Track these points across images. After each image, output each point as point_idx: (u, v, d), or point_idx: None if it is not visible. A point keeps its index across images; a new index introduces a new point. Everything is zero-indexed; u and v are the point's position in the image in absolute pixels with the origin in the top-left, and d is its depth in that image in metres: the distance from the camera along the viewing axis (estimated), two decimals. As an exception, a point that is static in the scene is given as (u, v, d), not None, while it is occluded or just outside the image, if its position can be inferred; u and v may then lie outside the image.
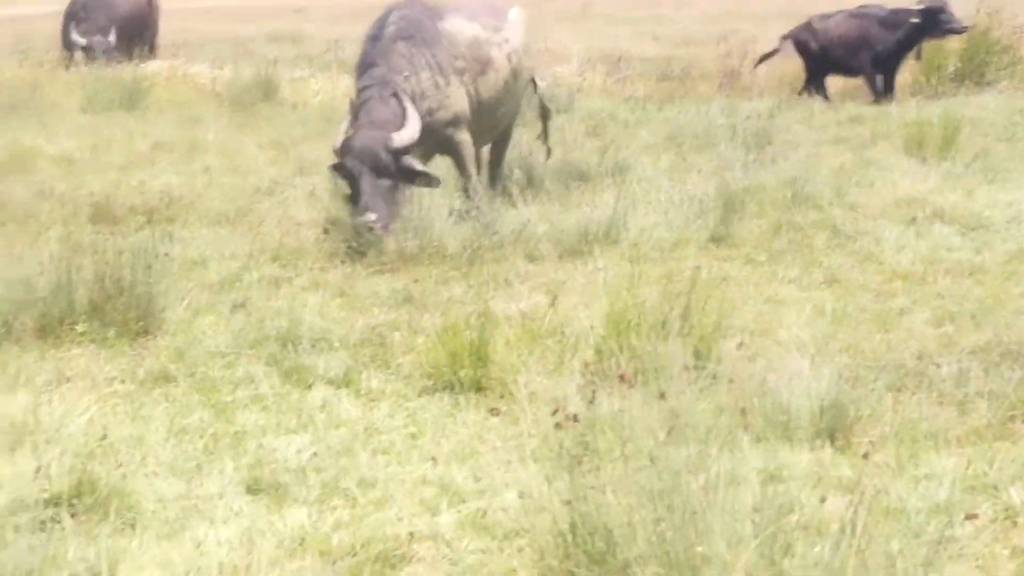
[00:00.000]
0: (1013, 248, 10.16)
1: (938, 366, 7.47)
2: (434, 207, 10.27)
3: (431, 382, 7.24)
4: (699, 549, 4.58)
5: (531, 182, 12.06)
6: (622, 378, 5.50)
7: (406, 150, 10.14)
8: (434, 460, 6.18)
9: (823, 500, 5.11)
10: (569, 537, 4.80)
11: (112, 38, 21.40)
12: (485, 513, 5.55)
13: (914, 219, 11.10)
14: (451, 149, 11.04)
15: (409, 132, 10.16)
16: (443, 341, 7.39)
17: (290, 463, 6.14)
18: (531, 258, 9.99)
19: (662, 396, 5.27)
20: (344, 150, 10.24)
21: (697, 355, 7.25)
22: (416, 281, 9.21)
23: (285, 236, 10.50)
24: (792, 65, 20.86)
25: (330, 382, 7.31)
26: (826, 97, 19.19)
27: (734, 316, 8.35)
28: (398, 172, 10.14)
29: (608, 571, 4.69)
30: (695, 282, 7.57)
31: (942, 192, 11.98)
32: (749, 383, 6.82)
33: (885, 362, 7.57)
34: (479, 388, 7.11)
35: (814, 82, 19.52)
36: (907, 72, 19.70)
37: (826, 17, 19.85)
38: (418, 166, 10.21)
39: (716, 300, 7.77)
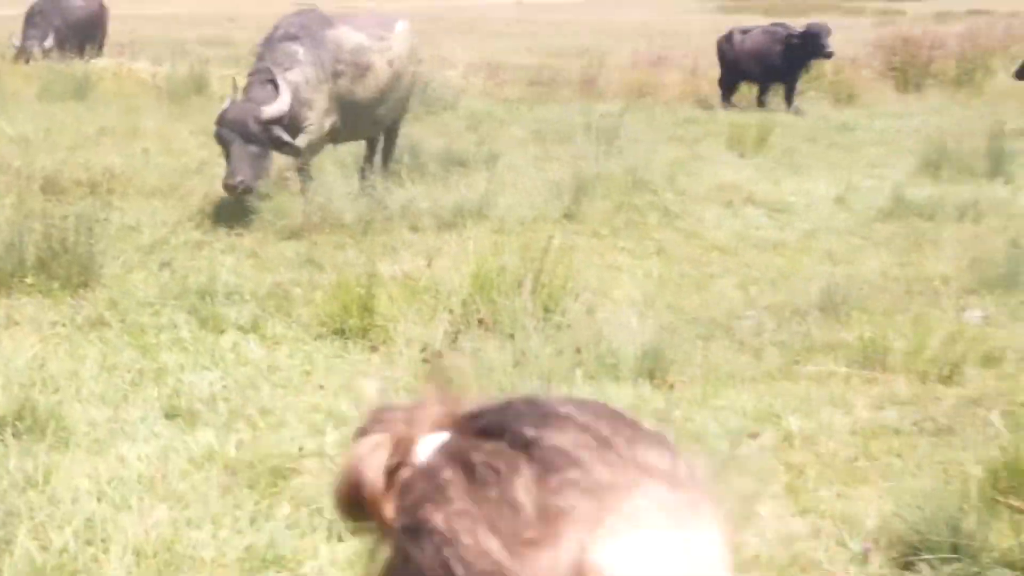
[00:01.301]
0: (808, 227, 10.42)
1: (740, 320, 7.68)
2: (335, 184, 10.29)
3: (325, 329, 7.28)
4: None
5: (418, 167, 12.09)
6: (480, 322, 5.62)
7: (275, 121, 9.99)
8: (323, 391, 6.26)
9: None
10: (429, 453, 4.89)
11: (49, 43, 20.82)
12: (363, 434, 5.62)
13: (730, 202, 11.33)
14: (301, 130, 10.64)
15: (279, 106, 10.03)
16: (336, 295, 7.44)
17: (203, 394, 6.16)
18: (414, 229, 10.03)
19: (511, 337, 5.39)
20: (218, 120, 10.21)
21: (546, 309, 7.38)
22: (316, 246, 9.25)
23: (209, 207, 10.44)
24: (640, 73, 21.07)
25: (240, 328, 7.32)
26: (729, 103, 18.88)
27: (579, 279, 8.47)
28: (267, 140, 10.04)
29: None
30: (547, 250, 7.68)
31: (755, 181, 12.24)
32: (587, 332, 6.96)
33: (698, 317, 7.76)
34: (364, 334, 7.17)
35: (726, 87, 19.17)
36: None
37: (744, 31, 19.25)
38: (285, 137, 10.05)
39: (564, 266, 7.89)
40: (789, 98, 18.16)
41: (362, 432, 1.05)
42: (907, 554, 4.59)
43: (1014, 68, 16.59)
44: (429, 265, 8.09)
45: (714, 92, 19.61)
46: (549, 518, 0.91)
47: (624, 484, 0.94)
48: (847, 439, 5.82)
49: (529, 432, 0.97)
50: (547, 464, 0.94)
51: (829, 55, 17.85)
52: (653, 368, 6.58)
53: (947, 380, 6.57)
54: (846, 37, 21.03)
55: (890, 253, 9.45)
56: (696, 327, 7.51)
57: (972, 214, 10.49)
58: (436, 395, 1.05)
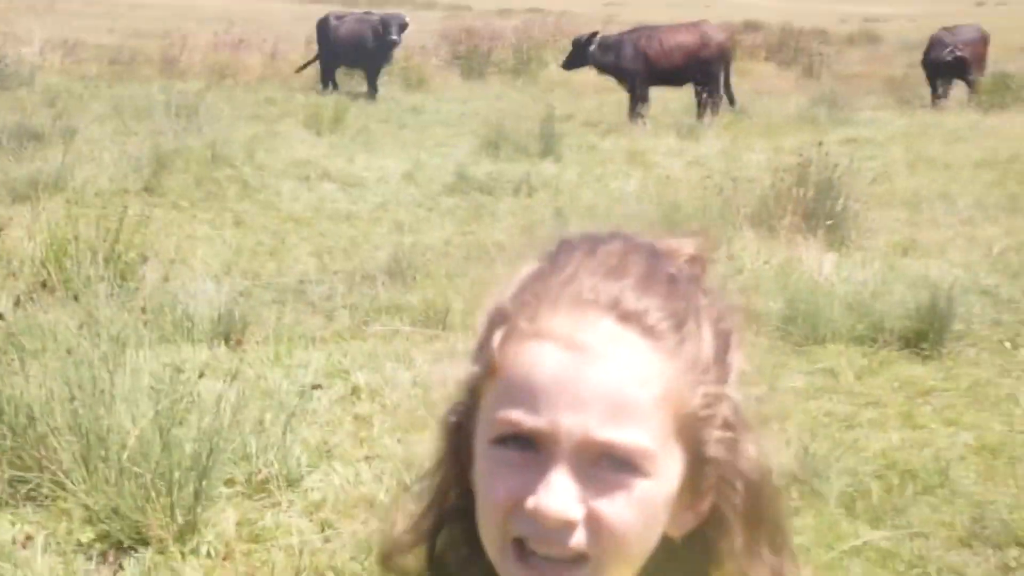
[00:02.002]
0: (379, 200, 10.56)
1: (314, 285, 7.70)
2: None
3: None
4: (106, 422, 4.55)
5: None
6: (43, 285, 5.36)
7: None
8: None
9: (200, 376, 5.12)
10: (-5, 416, 4.63)
11: None
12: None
13: (307, 177, 11.34)
14: None
15: None
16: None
17: None
18: (-17, 203, 9.45)
19: (75, 298, 5.18)
20: None
21: (123, 277, 7.16)
22: None
23: None
24: (221, 56, 20.66)
25: None
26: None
27: (159, 248, 8.26)
28: None
29: (28, 441, 4.58)
30: (123, 220, 7.44)
31: (330, 158, 12.29)
32: (163, 297, 6.79)
33: (273, 283, 7.72)
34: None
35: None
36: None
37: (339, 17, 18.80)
38: None
39: (142, 235, 7.69)
40: (372, 81, 18.07)
41: None
42: (460, 489, 4.75)
43: (562, 60, 17.39)
44: (-2, 235, 7.63)
45: (293, 74, 19.55)
46: (511, 309, 1.05)
47: (561, 303, 1.03)
48: (409, 391, 5.94)
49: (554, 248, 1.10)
50: (540, 273, 1.07)
51: (391, 43, 17.73)
52: (228, 330, 6.51)
53: (500, 335, 6.83)
54: (418, 28, 21.40)
55: (453, 223, 9.73)
56: (271, 292, 7.47)
57: (525, 188, 10.95)
58: None
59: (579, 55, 16.31)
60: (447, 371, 6.49)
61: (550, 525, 0.99)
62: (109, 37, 25.79)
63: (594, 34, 16.41)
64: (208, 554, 4.24)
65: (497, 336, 1.04)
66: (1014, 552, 4.54)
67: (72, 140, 11.97)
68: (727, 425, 1.07)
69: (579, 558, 1.02)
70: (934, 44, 17.81)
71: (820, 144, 9.84)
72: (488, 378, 1.05)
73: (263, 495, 4.71)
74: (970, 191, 11.14)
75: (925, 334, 6.81)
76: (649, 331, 1.03)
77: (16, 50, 18.79)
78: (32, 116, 13.05)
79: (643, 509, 1.02)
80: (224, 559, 4.22)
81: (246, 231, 9.24)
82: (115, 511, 4.25)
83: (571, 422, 0.99)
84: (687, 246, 1.14)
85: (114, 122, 13.75)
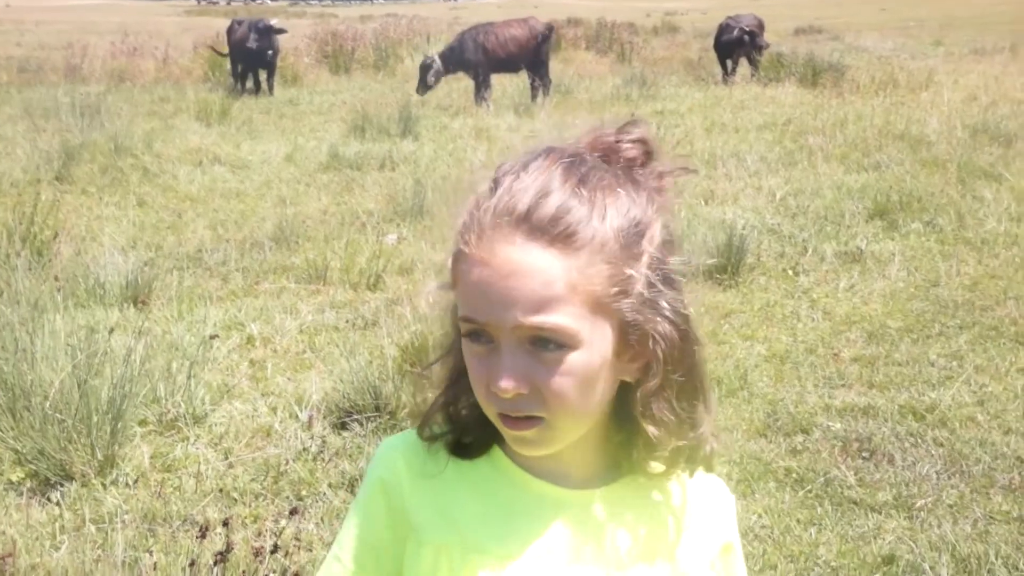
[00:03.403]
0: (264, 179, 10.30)
1: (210, 253, 7.49)
2: None
3: None
4: (29, 376, 4.38)
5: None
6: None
7: None
8: None
9: (111, 333, 4.96)
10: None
11: None
12: None
13: (200, 162, 11.00)
14: None
15: None
16: None
17: None
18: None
19: (-7, 272, 4.94)
20: None
21: (39, 253, 6.90)
22: None
23: None
24: (119, 62, 19.90)
25: None
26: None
27: (71, 228, 7.97)
28: None
29: (-40, 398, 4.37)
30: (36, 205, 7.16)
31: (220, 145, 11.94)
32: (77, 268, 6.54)
33: (174, 253, 7.49)
34: None
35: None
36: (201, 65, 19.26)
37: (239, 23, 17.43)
38: None
39: (54, 218, 7.39)
40: (268, 81, 17.29)
41: None
42: (342, 417, 4.70)
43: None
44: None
45: (184, 75, 18.94)
46: (458, 235, 1.11)
47: (485, 229, 1.08)
48: (297, 337, 5.85)
49: (495, 174, 1.14)
50: (478, 202, 1.12)
51: (252, 44, 16.79)
52: (135, 294, 6.30)
53: (372, 287, 6.75)
54: (291, 34, 20.87)
55: (328, 195, 9.56)
56: (172, 260, 7.25)
57: (389, 164, 10.81)
58: None
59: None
60: (327, 319, 6.44)
61: (506, 396, 1.09)
62: (17, 50, 24.62)
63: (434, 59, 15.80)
64: (126, 484, 4.12)
65: (451, 258, 1.12)
66: (800, 438, 4.67)
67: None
68: (641, 296, 1.12)
69: (534, 417, 1.11)
70: (723, 29, 18.07)
71: (633, 115, 9.91)
72: (454, 289, 1.14)
73: (173, 431, 4.59)
74: (755, 149, 11.36)
75: (725, 267, 6.95)
76: (552, 240, 1.07)
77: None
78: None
79: (578, 375, 1.09)
80: (139, 485, 4.09)
81: (148, 210, 8.93)
82: (41, 452, 4.09)
83: (504, 315, 1.07)
84: (609, 136, 1.18)
85: (25, 122, 13.13)
